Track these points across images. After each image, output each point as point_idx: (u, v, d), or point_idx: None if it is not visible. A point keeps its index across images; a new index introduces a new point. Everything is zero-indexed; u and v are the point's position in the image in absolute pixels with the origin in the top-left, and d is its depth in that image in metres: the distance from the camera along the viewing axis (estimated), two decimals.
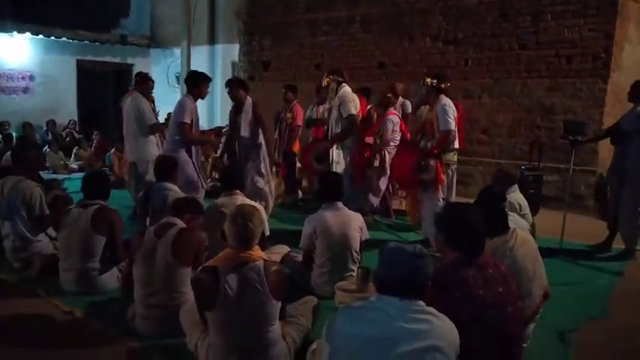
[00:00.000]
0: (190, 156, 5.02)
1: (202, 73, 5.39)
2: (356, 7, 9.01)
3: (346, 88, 5.53)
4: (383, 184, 6.13)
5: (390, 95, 6.31)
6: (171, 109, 5.29)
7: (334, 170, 5.59)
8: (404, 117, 6.62)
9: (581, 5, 6.87)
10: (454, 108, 4.87)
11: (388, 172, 6.06)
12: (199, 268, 2.69)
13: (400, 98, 6.82)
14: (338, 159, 5.47)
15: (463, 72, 7.86)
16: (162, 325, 3.04)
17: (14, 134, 9.84)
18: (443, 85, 4.91)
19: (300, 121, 6.87)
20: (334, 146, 5.77)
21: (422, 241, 4.89)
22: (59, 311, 3.45)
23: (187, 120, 4.92)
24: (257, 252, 2.58)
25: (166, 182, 4.46)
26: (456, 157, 5.08)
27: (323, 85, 5.81)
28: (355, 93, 5.75)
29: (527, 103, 7.42)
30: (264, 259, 2.58)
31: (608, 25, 6.70)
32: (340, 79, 5.56)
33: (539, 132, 7.35)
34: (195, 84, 5.12)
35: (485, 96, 7.76)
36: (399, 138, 6.15)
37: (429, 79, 4.94)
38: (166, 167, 4.59)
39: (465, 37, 7.86)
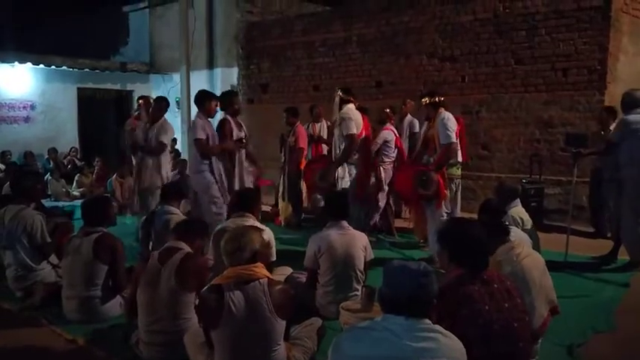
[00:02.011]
0: (214, 176, 5.19)
1: (206, 91, 5.63)
2: (352, 27, 9.12)
3: (349, 106, 5.41)
4: (381, 200, 6.14)
5: (387, 110, 6.35)
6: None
7: (339, 186, 5.58)
8: (411, 136, 6.64)
9: (574, 19, 6.95)
10: (454, 121, 4.87)
11: (386, 188, 6.09)
12: (205, 287, 2.68)
13: (409, 116, 6.85)
14: (343, 174, 5.45)
15: (460, 88, 7.92)
16: (166, 351, 3.01)
17: (17, 163, 9.88)
18: (437, 99, 4.94)
19: (302, 143, 6.89)
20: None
21: (426, 258, 4.86)
22: (62, 340, 3.42)
23: (201, 136, 5.15)
24: (261, 269, 2.59)
25: (169, 206, 4.46)
26: (459, 171, 5.08)
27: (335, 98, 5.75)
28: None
29: (525, 117, 7.46)
30: (268, 278, 2.58)
31: (601, 37, 6.77)
32: (344, 97, 5.41)
33: (538, 145, 7.37)
34: (201, 102, 5.36)
35: (483, 111, 7.81)
36: (394, 154, 6.19)
37: (423, 100, 4.99)
38: (170, 191, 4.61)
39: (461, 53, 7.94)
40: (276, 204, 7.27)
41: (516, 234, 3.24)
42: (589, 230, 6.35)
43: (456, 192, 5.04)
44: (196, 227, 3.44)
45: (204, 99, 5.38)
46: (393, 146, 6.20)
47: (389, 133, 6.21)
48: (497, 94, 7.66)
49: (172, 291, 3.02)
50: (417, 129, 6.58)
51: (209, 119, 5.37)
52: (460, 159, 5.05)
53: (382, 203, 6.18)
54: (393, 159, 6.18)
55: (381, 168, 6.06)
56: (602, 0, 6.71)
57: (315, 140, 7.03)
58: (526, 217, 4.41)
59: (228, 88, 10.89)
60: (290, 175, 6.93)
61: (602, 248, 5.45)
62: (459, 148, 4.95)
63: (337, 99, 5.40)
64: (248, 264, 2.56)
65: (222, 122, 5.44)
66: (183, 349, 2.86)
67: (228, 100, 5.56)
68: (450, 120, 4.81)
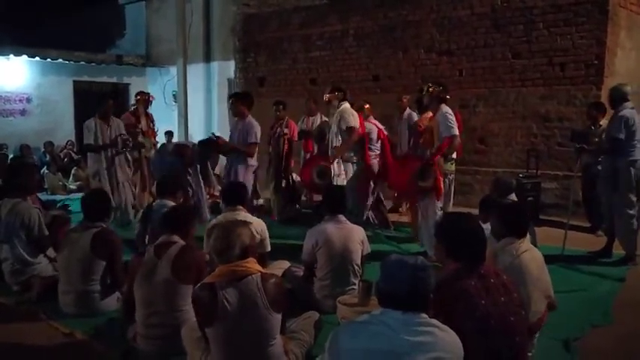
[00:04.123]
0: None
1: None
2: (349, 21, 9.09)
3: (346, 105, 5.58)
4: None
5: (367, 106, 6.39)
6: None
7: (336, 184, 5.61)
8: (410, 128, 6.67)
9: (572, 13, 6.95)
10: (454, 116, 4.88)
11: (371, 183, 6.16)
12: (198, 285, 2.68)
13: (407, 110, 6.90)
14: (339, 172, 5.48)
15: (458, 82, 7.91)
16: (164, 345, 3.01)
17: (7, 156, 9.80)
18: (445, 95, 4.94)
19: (297, 136, 6.96)
20: (335, 160, 5.81)
21: (423, 252, 4.87)
22: (60, 334, 3.42)
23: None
24: (253, 265, 2.58)
25: (166, 200, 4.44)
26: (453, 167, 5.08)
27: (324, 99, 5.84)
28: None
29: (523, 112, 7.46)
30: (260, 272, 2.58)
31: (599, 32, 6.77)
32: (341, 97, 5.60)
33: (535, 140, 7.38)
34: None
35: (480, 105, 7.81)
36: (377, 146, 6.22)
37: (432, 88, 4.96)
38: (167, 185, 4.60)
39: (458, 47, 7.92)
40: None
41: None
42: (585, 225, 6.37)
43: (449, 187, 5.05)
44: (186, 215, 3.41)
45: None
46: (376, 138, 6.24)
47: (369, 125, 6.24)
48: (494, 88, 7.66)
49: (169, 283, 3.02)
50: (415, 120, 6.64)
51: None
52: (454, 155, 5.06)
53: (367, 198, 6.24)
54: (378, 152, 6.21)
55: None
56: None
57: (306, 134, 7.05)
58: None
59: (225, 81, 10.89)
60: (285, 168, 6.95)
61: (598, 243, 5.46)
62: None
63: (336, 101, 5.50)
64: (239, 260, 2.54)
65: None
66: (181, 342, 2.86)
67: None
68: (451, 114, 4.83)
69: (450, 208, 5.02)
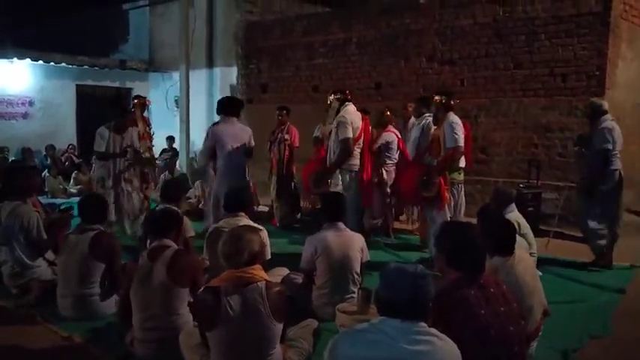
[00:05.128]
0: None
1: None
2: (352, 29, 9.13)
3: (348, 108, 5.37)
4: (382, 202, 6.16)
5: (388, 113, 6.37)
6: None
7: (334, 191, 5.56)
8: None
9: (573, 24, 6.97)
10: (462, 126, 4.87)
11: (387, 190, 6.11)
12: (202, 288, 2.67)
13: (412, 118, 6.90)
14: (336, 182, 5.40)
15: (459, 92, 7.89)
16: (161, 348, 3.01)
17: (10, 159, 9.82)
18: (451, 101, 4.95)
19: (298, 142, 6.94)
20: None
21: (426, 260, 4.86)
22: (58, 337, 3.41)
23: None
24: (259, 272, 2.57)
25: (169, 205, 4.44)
26: (461, 176, 5.07)
27: (328, 103, 5.68)
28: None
29: (524, 122, 7.47)
30: (266, 280, 2.57)
31: (600, 43, 6.79)
32: (342, 98, 5.42)
33: (536, 150, 7.39)
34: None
35: (481, 115, 7.82)
36: (396, 156, 6.20)
37: (437, 97, 4.97)
38: (170, 190, 4.61)
39: (460, 57, 7.95)
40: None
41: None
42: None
43: (458, 197, 5.03)
44: (171, 218, 3.40)
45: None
46: (395, 148, 6.22)
47: (389, 135, 6.22)
48: (495, 98, 7.68)
49: (164, 286, 3.02)
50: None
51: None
52: (463, 164, 5.05)
53: (383, 205, 6.21)
54: (396, 161, 6.21)
55: (384, 170, 6.10)
56: (602, 6, 6.73)
57: (320, 141, 7.02)
58: (523, 222, 4.45)
59: (228, 87, 10.92)
60: (286, 174, 6.94)
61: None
62: (463, 153, 4.95)
63: (336, 104, 5.39)
64: (247, 266, 2.54)
65: None
66: (178, 347, 2.85)
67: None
68: (458, 125, 4.82)
69: (462, 218, 5.00)
